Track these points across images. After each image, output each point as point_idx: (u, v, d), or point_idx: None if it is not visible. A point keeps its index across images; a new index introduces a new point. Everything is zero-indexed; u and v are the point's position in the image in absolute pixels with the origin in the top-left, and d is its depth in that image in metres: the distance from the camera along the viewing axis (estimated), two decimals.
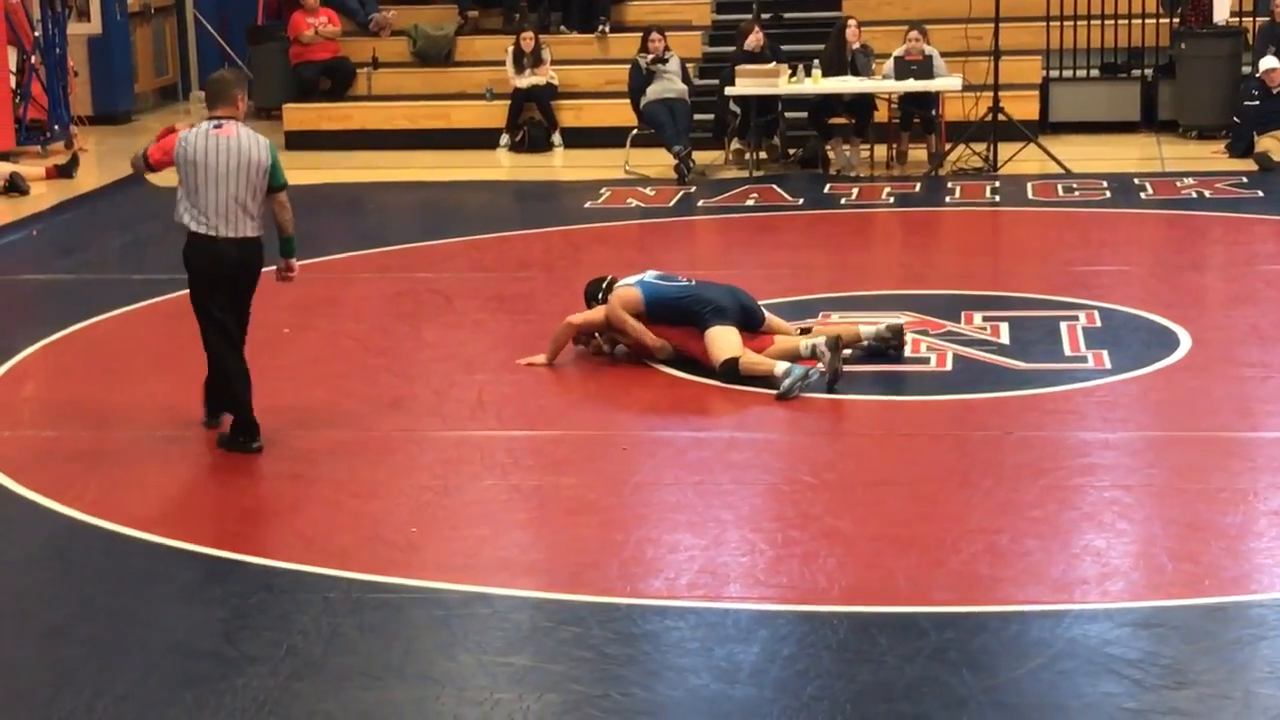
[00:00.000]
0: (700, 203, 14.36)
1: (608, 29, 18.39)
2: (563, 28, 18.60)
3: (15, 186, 15.38)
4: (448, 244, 13.01)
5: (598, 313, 9.38)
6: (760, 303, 9.41)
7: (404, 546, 6.85)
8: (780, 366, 8.76)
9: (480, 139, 17.42)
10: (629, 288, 9.29)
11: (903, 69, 15.34)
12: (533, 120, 17.35)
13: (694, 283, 9.36)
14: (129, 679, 5.68)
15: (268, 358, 9.87)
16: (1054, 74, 17.15)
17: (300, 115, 18.10)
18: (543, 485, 7.58)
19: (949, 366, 9.15)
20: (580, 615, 6.13)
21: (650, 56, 15.76)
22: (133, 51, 20.32)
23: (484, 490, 7.53)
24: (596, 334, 9.49)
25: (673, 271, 9.61)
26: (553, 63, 17.50)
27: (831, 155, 15.64)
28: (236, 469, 7.94)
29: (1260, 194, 13.86)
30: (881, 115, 15.87)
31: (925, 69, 15.27)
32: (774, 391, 8.62)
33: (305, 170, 16.63)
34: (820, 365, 8.74)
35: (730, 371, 8.86)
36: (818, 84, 15.21)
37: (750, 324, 9.19)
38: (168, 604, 6.33)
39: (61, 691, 5.60)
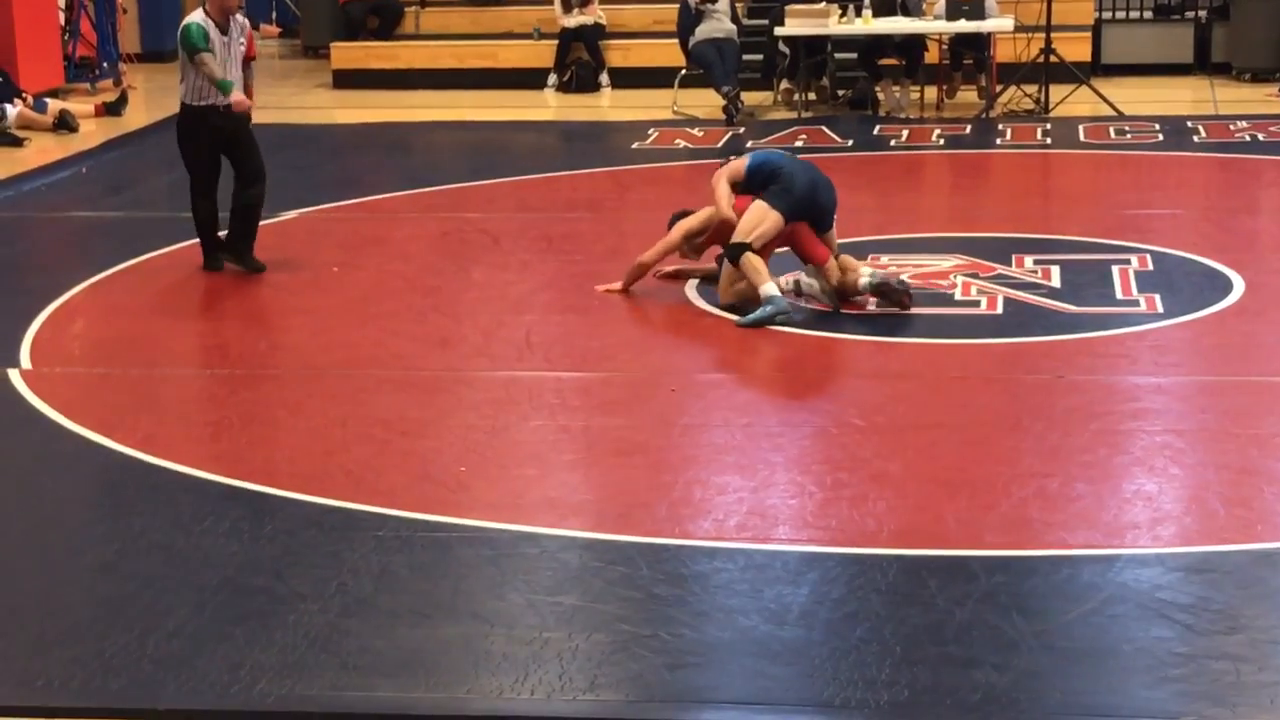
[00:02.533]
0: (749, 144, 14.27)
1: None
2: None
3: (65, 124, 15.42)
4: (495, 184, 12.99)
5: (697, 216, 9.27)
6: None
7: (453, 486, 6.86)
8: (767, 289, 8.71)
9: (528, 79, 17.39)
10: (740, 159, 9.30)
11: (954, 9, 15.21)
12: (580, 60, 17.30)
13: (794, 159, 9.29)
14: (180, 615, 5.71)
15: (316, 296, 9.89)
16: (1106, 15, 17.01)
17: (348, 54, 18.09)
18: (591, 426, 7.58)
19: (1000, 310, 9.10)
20: (629, 555, 6.13)
21: None
22: None
23: (532, 430, 7.53)
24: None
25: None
26: (601, 2, 17.42)
27: (881, 96, 15.54)
28: (285, 408, 7.97)
29: None
30: (932, 56, 15.75)
31: (977, 9, 15.14)
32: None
33: (353, 109, 16.65)
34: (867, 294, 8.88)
35: (735, 252, 8.84)
36: (868, 24, 15.10)
37: (817, 223, 9.10)
38: (218, 540, 6.35)
39: (113, 627, 5.63)
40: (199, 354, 8.84)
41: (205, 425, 7.80)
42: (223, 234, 10.43)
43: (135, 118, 16.15)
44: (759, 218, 8.96)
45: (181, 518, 6.60)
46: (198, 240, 10.46)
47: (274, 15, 21.29)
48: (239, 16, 10.22)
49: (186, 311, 9.73)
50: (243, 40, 10.21)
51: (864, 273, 9.05)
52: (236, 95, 10.04)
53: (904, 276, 9.24)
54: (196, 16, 10.12)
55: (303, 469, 7.10)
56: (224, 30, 10.08)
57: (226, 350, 8.91)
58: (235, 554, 6.24)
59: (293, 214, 11.76)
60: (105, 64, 17.60)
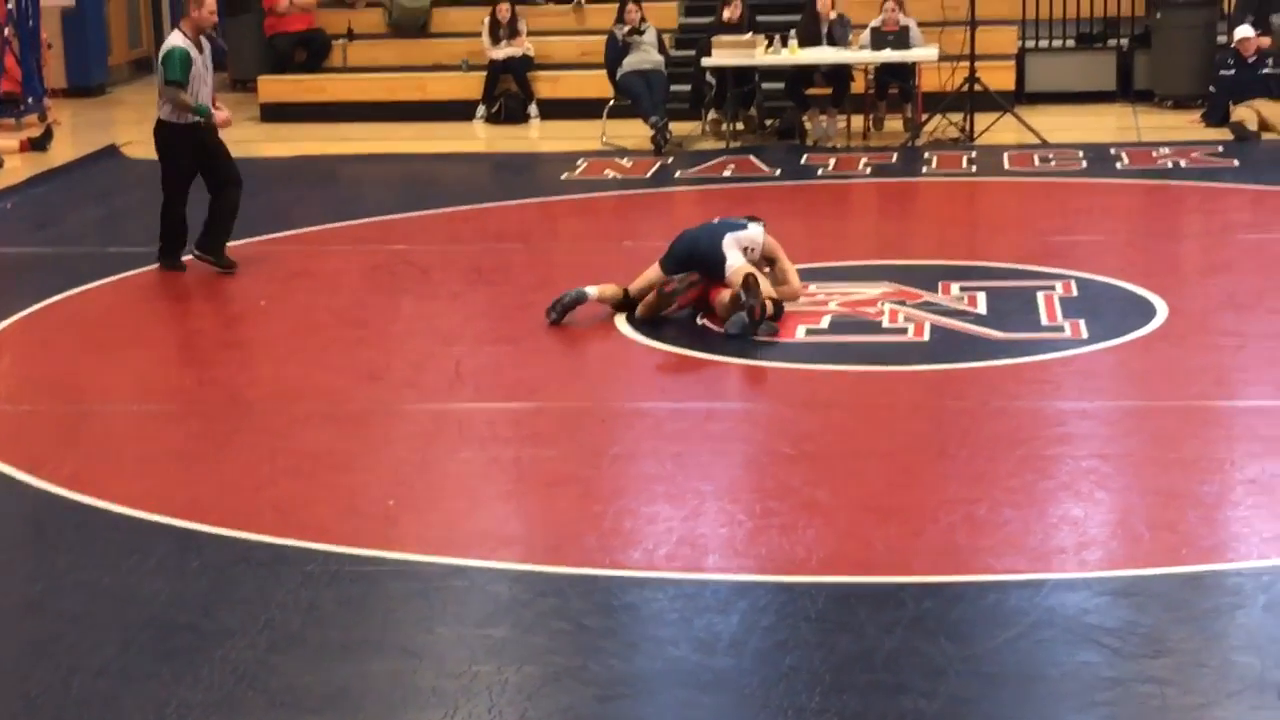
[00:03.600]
0: (677, 174, 14.34)
1: (584, 0, 18.33)
2: None
3: None
4: (424, 216, 12.98)
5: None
6: None
7: (381, 519, 6.84)
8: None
9: (456, 110, 17.38)
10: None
11: (879, 39, 15.33)
12: (509, 92, 17.32)
13: (702, 226, 9.80)
14: (106, 653, 5.66)
15: (244, 330, 9.86)
16: (1030, 44, 17.16)
17: (275, 87, 18.03)
18: (521, 457, 7.57)
19: (926, 336, 9.15)
20: (559, 587, 6.12)
21: (626, 27, 15.72)
22: (106, 24, 20.24)
23: (462, 462, 7.51)
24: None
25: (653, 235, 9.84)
26: (529, 34, 17.46)
27: (808, 126, 15.63)
28: (213, 442, 7.92)
29: (1235, 163, 13.88)
30: (858, 86, 15.85)
31: (902, 39, 15.27)
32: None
33: (281, 142, 16.59)
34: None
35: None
36: (794, 55, 15.18)
37: (708, 271, 9.44)
38: (145, 577, 6.30)
39: (37, 666, 5.58)
40: (126, 390, 8.77)
41: (132, 461, 7.75)
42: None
43: (61, 153, 16.03)
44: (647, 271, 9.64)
45: (108, 555, 6.55)
46: (124, 276, 10.43)
47: None
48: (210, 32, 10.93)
49: (114, 347, 9.66)
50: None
51: (733, 320, 9.12)
52: (218, 116, 10.92)
53: (767, 320, 9.26)
54: (178, 40, 10.69)
55: (230, 504, 7.06)
56: (199, 48, 10.67)
57: (154, 386, 8.85)
58: (162, 591, 6.19)
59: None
60: (30, 99, 17.48)
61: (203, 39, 10.87)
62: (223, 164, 11.05)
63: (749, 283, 9.13)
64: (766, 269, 9.65)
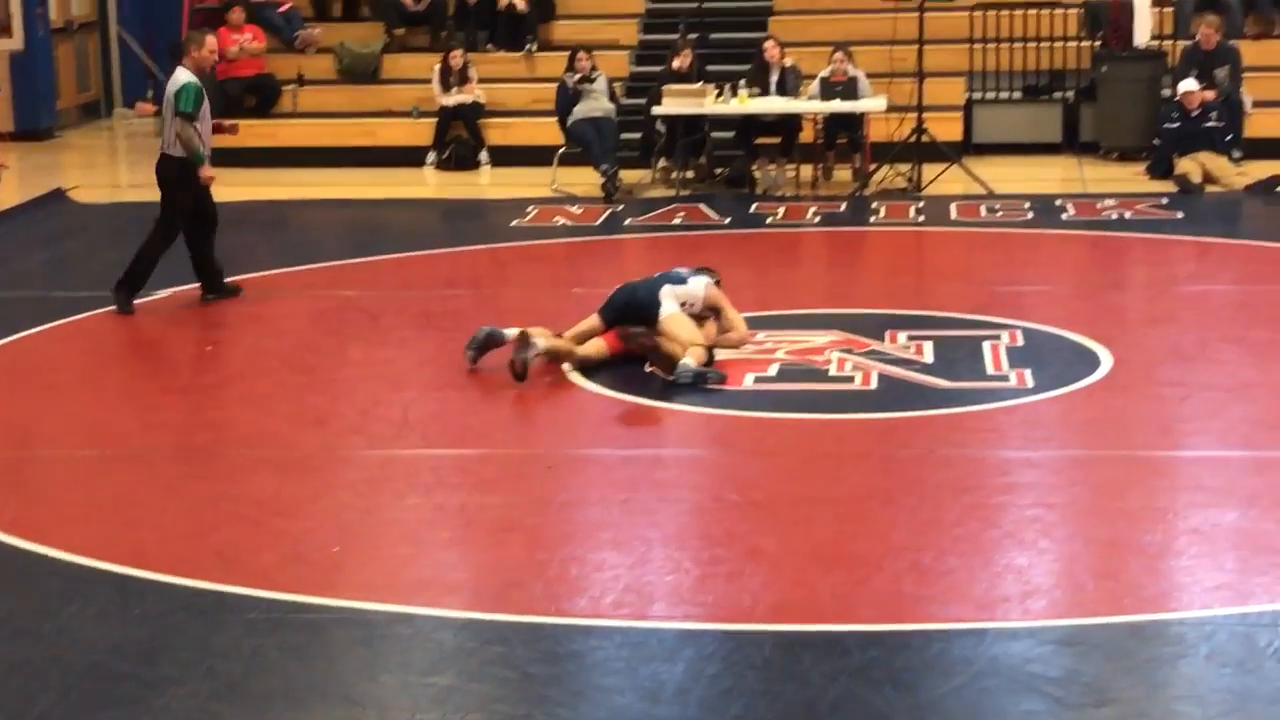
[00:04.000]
0: (627, 221, 14.38)
1: (535, 48, 18.40)
2: (489, 46, 18.59)
3: None
4: (373, 261, 12.96)
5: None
6: None
7: (326, 566, 6.80)
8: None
9: (407, 157, 17.38)
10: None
11: (828, 90, 15.43)
12: (459, 138, 17.34)
13: (642, 280, 9.84)
14: (46, 701, 5.60)
15: (190, 375, 9.81)
16: (977, 96, 17.29)
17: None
18: (467, 504, 7.55)
19: (873, 385, 9.19)
20: (504, 635, 6.10)
21: (577, 75, 15.78)
22: (55, 67, 20.18)
23: (408, 509, 7.49)
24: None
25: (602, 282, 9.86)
26: (479, 81, 17.49)
27: (758, 175, 15.70)
28: (157, 488, 7.87)
29: (1180, 215, 14.01)
30: (807, 135, 15.94)
31: (850, 90, 15.38)
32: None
33: (230, 187, 16.52)
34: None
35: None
36: (744, 104, 15.26)
37: (644, 320, 9.47)
38: (86, 624, 6.25)
39: None
40: (69, 434, 8.71)
41: (74, 507, 7.69)
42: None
43: (7, 196, 15.94)
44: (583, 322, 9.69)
45: (48, 601, 6.49)
46: (70, 320, 10.38)
47: (150, 93, 21.16)
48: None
49: (57, 391, 9.60)
50: None
51: (681, 370, 9.14)
52: (207, 171, 11.12)
53: (712, 374, 9.30)
54: (188, 76, 10.98)
55: (173, 550, 7.01)
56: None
57: (97, 430, 8.79)
58: (103, 638, 6.14)
59: (167, 292, 11.65)
60: None
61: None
62: (210, 205, 11.36)
63: (666, 365, 9.16)
64: (710, 317, 9.69)
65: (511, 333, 9.53)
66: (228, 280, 11.54)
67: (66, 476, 8.12)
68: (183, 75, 11.10)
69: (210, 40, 11.44)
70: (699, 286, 9.71)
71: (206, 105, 11.20)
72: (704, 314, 9.67)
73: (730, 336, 9.68)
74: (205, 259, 11.37)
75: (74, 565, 6.84)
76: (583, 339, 9.56)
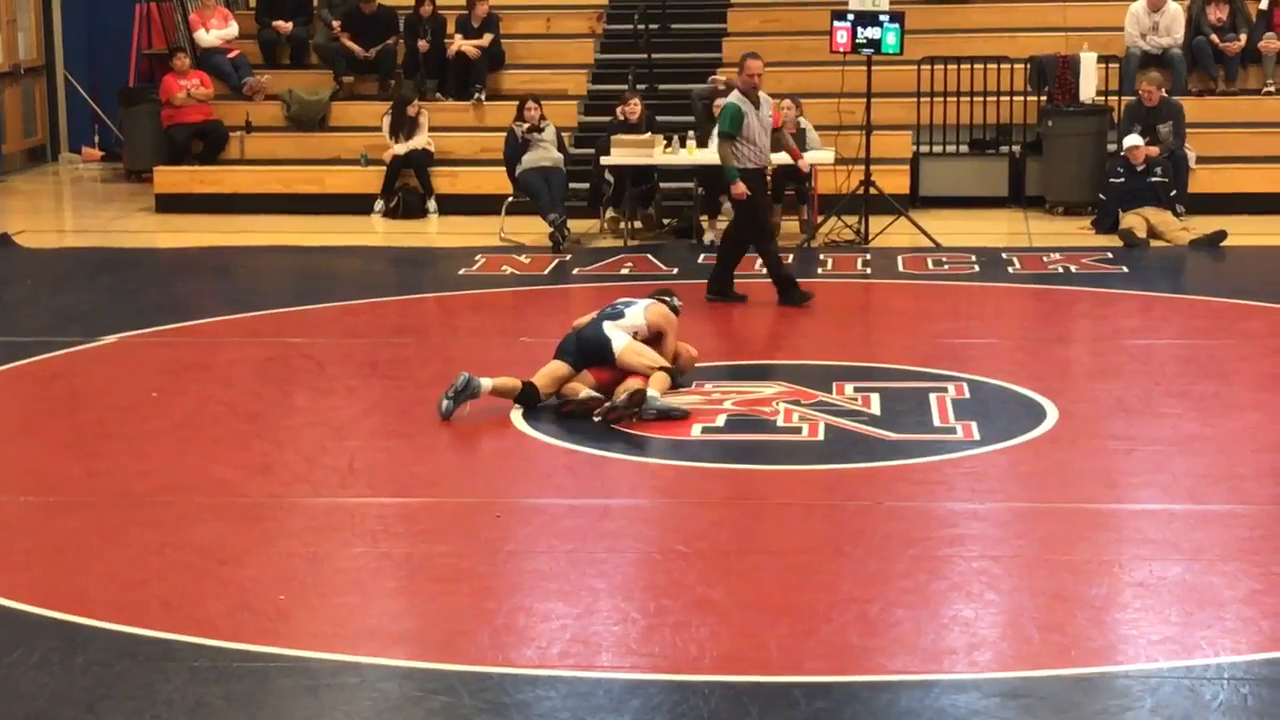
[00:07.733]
0: (575, 271, 14.39)
1: (483, 97, 18.42)
2: (438, 95, 18.60)
3: None
4: (321, 309, 12.93)
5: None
6: None
7: (272, 615, 6.76)
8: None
9: (355, 204, 17.36)
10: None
11: (775, 143, 15.47)
12: (408, 186, 17.33)
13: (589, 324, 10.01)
14: None
15: (135, 422, 9.74)
16: (924, 149, 17.40)
17: (172, 178, 17.93)
18: (414, 553, 7.52)
19: (821, 436, 9.21)
20: (451, 684, 6.08)
21: (526, 125, 15.81)
22: (1, 112, 20.07)
23: (354, 558, 7.45)
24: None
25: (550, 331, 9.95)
26: (428, 129, 17.50)
27: (705, 225, 15.74)
28: (102, 535, 7.81)
29: (1125, 269, 14.12)
30: None
31: (798, 141, 15.44)
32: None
33: (176, 233, 16.49)
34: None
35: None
36: (692, 155, 15.31)
37: (600, 362, 9.67)
38: (28, 672, 6.19)
39: None
40: (12, 480, 8.64)
41: (17, 554, 7.61)
42: None
43: None
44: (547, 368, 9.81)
45: None
46: (11, 366, 10.29)
47: (96, 139, 21.08)
48: None
49: (0, 438, 9.52)
50: None
51: (649, 399, 9.36)
52: None
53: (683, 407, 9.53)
54: None
55: (117, 598, 6.95)
56: None
57: (41, 477, 8.72)
58: (45, 686, 6.08)
59: (112, 338, 11.59)
60: None
61: None
62: None
63: (633, 398, 9.39)
64: (664, 339, 9.95)
65: (488, 383, 9.50)
66: None
67: (9, 523, 8.05)
68: None
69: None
70: (639, 312, 9.96)
71: None
72: (651, 340, 9.88)
73: (678, 361, 9.88)
74: None
75: (16, 612, 6.78)
76: (559, 384, 9.66)
